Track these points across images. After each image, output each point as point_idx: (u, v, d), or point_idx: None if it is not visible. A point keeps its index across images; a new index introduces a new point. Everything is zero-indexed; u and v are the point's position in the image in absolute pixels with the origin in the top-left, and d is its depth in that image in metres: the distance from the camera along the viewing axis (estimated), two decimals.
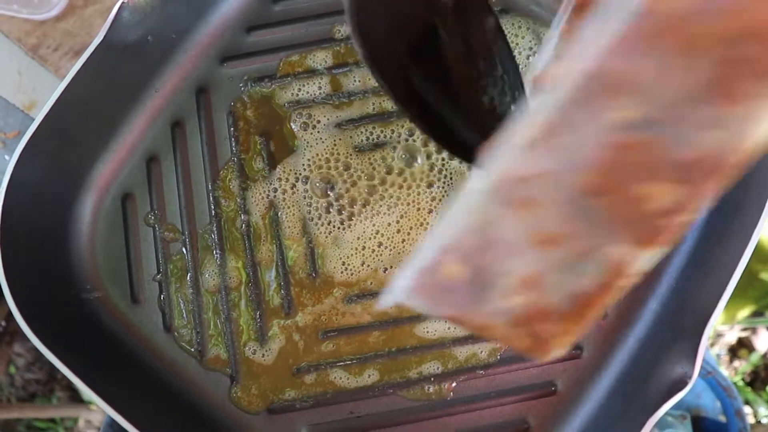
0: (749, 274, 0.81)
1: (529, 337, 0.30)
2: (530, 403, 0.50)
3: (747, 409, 0.97)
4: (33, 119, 0.50)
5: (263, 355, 0.51)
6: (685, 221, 0.25)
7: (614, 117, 0.23)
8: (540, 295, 0.28)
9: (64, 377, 1.06)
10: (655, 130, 0.23)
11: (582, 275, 0.27)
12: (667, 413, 0.65)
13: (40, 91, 0.59)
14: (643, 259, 0.26)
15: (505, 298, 0.29)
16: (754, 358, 0.98)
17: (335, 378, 0.51)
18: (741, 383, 0.98)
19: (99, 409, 0.99)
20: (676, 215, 0.25)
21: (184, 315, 0.51)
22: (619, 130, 0.23)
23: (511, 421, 0.50)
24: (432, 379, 0.50)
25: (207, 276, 0.52)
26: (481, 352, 0.51)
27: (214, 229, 0.52)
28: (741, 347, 0.99)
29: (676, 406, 0.66)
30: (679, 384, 0.44)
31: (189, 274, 0.52)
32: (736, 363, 0.99)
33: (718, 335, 0.98)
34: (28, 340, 1.03)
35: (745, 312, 0.87)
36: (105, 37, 0.47)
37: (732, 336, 0.99)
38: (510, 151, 0.25)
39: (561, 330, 0.29)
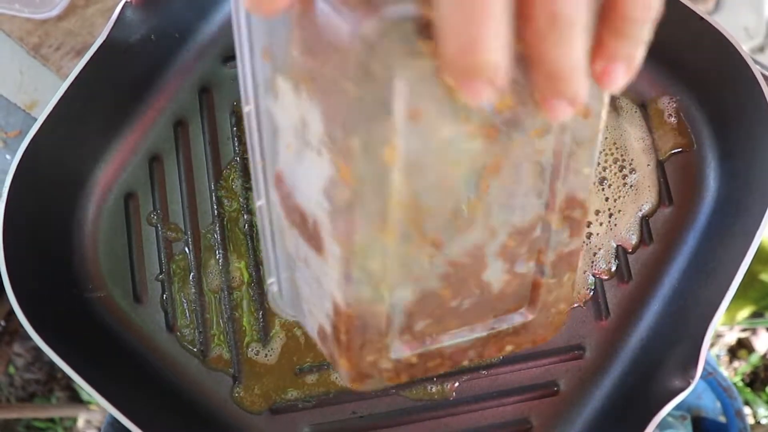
0: (749, 275, 0.81)
1: None
2: (533, 403, 0.51)
3: (747, 410, 0.97)
4: (35, 119, 0.50)
5: (266, 355, 0.51)
6: None
7: None
8: None
9: (64, 377, 1.06)
10: None
11: None
12: (667, 414, 0.66)
13: (42, 91, 0.59)
14: None
15: None
16: (754, 358, 0.98)
17: (337, 378, 0.51)
18: (741, 384, 0.98)
19: (99, 409, 0.99)
20: None
21: (187, 315, 0.51)
22: None
23: (513, 421, 0.50)
24: (434, 378, 0.51)
25: (209, 276, 0.52)
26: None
27: (217, 228, 0.52)
28: (741, 348, 1.00)
29: (677, 407, 0.66)
30: (682, 385, 0.44)
31: (191, 274, 0.52)
32: (736, 364, 0.99)
33: (718, 336, 0.98)
34: (27, 339, 1.03)
35: (745, 313, 0.87)
36: (108, 36, 0.47)
37: (732, 337, 0.99)
38: None
39: None
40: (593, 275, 0.51)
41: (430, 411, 0.50)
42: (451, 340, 0.34)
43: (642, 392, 0.47)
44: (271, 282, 0.38)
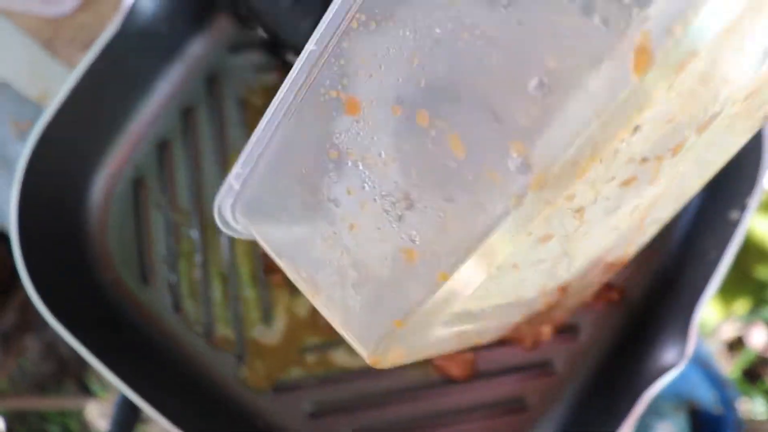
0: (744, 269, 0.82)
1: None
2: (528, 382, 0.52)
3: (745, 405, 0.98)
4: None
5: (269, 335, 0.52)
6: None
7: None
8: None
9: (74, 369, 1.08)
10: None
11: None
12: (663, 404, 0.67)
13: (54, 84, 0.61)
14: None
15: None
16: (750, 353, 0.99)
17: (338, 357, 0.52)
18: (737, 378, 0.99)
19: (108, 400, 1.00)
20: None
21: (193, 296, 0.53)
22: None
23: (509, 399, 0.52)
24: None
25: (215, 258, 0.53)
26: None
27: None
28: (737, 343, 1.01)
29: (673, 398, 0.67)
30: (673, 363, 0.46)
31: (197, 256, 0.53)
32: (733, 358, 1.00)
33: (715, 330, 0.99)
34: (39, 332, 1.05)
35: (740, 307, 0.88)
36: (119, 26, 0.48)
37: (728, 331, 1.00)
38: None
39: None
40: None
41: (428, 389, 0.52)
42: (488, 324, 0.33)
43: (634, 371, 0.49)
44: (238, 174, 0.32)
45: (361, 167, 0.27)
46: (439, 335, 0.32)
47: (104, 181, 0.54)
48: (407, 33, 0.25)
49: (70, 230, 0.53)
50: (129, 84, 0.53)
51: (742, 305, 0.88)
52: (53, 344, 1.06)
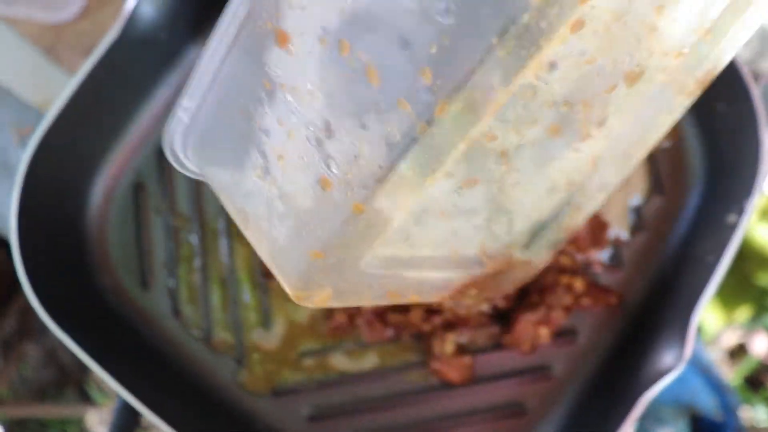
0: (744, 276, 0.82)
1: None
2: (527, 386, 0.52)
3: (746, 411, 0.98)
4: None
5: (268, 339, 0.53)
6: None
7: None
8: None
9: (75, 376, 1.08)
10: None
11: None
12: (664, 410, 0.67)
13: (56, 91, 0.61)
14: None
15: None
16: (752, 360, 0.99)
17: (337, 361, 0.52)
18: (739, 385, 0.98)
19: (108, 408, 1.00)
20: None
21: (192, 300, 0.53)
22: None
23: (508, 403, 0.52)
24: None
25: (214, 262, 0.53)
26: (479, 337, 0.52)
27: (222, 218, 0.54)
28: (739, 350, 1.00)
29: (674, 404, 0.67)
30: (671, 366, 0.46)
31: (197, 261, 0.53)
32: (734, 365, 1.00)
33: (716, 338, 0.99)
34: (39, 339, 1.05)
35: (742, 315, 0.88)
36: (119, 33, 0.49)
37: (730, 339, 1.00)
38: None
39: None
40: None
41: (427, 393, 0.52)
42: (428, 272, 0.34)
43: (632, 374, 0.49)
44: (185, 108, 0.33)
45: (290, 98, 0.28)
46: (369, 280, 0.32)
47: (104, 186, 0.54)
48: None
49: (70, 235, 0.53)
50: (129, 90, 0.54)
51: (743, 312, 0.88)
52: (53, 351, 1.06)
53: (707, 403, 0.68)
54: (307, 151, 0.27)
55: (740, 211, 0.48)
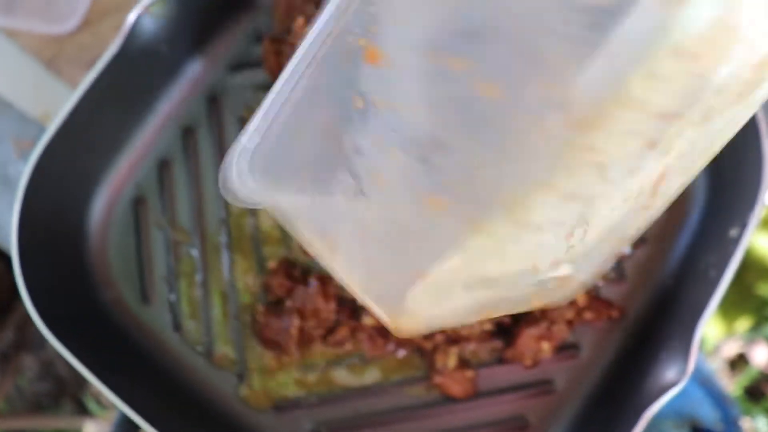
0: (745, 286, 0.82)
1: None
2: (529, 401, 0.52)
3: (747, 422, 0.97)
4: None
5: (269, 354, 0.52)
6: None
7: None
8: None
9: (72, 388, 1.07)
10: None
11: None
12: (665, 422, 0.66)
13: (56, 103, 0.61)
14: None
15: None
16: (753, 371, 0.99)
17: (339, 376, 0.52)
18: (739, 396, 0.98)
19: (106, 419, 1.00)
20: None
21: (193, 315, 0.53)
22: None
23: (510, 418, 0.52)
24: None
25: (215, 277, 0.53)
26: (482, 351, 0.52)
27: (224, 232, 0.54)
28: (739, 360, 1.01)
29: (675, 416, 0.67)
30: (674, 381, 0.46)
31: (198, 275, 0.53)
32: (735, 376, 1.00)
33: (717, 348, 0.99)
34: (37, 351, 1.05)
35: (742, 325, 0.88)
36: (119, 46, 0.49)
37: (730, 349, 1.00)
38: None
39: None
40: None
41: (429, 407, 0.52)
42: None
43: (635, 389, 0.49)
44: (252, 135, 0.30)
45: (388, 115, 0.26)
46: (458, 302, 0.30)
47: (105, 200, 0.54)
48: None
49: (71, 249, 0.53)
50: (130, 103, 0.53)
51: (743, 323, 0.88)
52: (51, 363, 1.05)
53: (708, 415, 0.68)
54: (411, 168, 0.26)
55: (743, 225, 0.48)
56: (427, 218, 0.26)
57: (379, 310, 0.29)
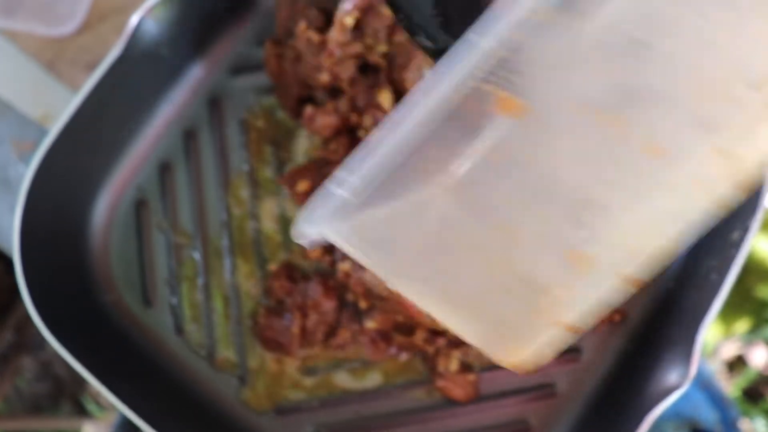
0: (745, 289, 0.82)
1: None
2: (530, 404, 0.52)
3: (746, 424, 0.98)
4: (48, 131, 0.52)
5: (271, 357, 0.52)
6: None
7: None
8: None
9: (71, 389, 1.07)
10: None
11: None
12: (665, 424, 0.67)
13: (56, 105, 0.61)
14: None
15: None
16: (752, 372, 0.99)
17: (340, 380, 0.52)
18: (738, 397, 0.99)
19: (104, 420, 1.00)
20: None
21: (195, 318, 0.53)
22: None
23: (512, 421, 0.52)
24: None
25: (217, 280, 0.53)
26: (483, 355, 0.52)
27: (225, 235, 0.54)
28: (738, 362, 1.01)
29: (675, 418, 0.67)
30: (676, 384, 0.46)
31: (200, 278, 0.53)
32: (734, 378, 1.00)
33: (716, 350, 0.99)
34: (36, 353, 1.05)
35: (741, 327, 0.88)
36: (122, 49, 0.48)
37: (729, 351, 1.00)
38: None
39: None
40: None
41: (431, 411, 0.52)
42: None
43: (637, 393, 0.48)
44: (350, 183, 0.25)
45: (529, 170, 0.25)
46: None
47: (106, 203, 0.54)
48: (602, 32, 0.23)
49: (72, 252, 0.53)
50: (131, 106, 0.53)
51: (742, 325, 0.88)
52: (49, 364, 1.05)
53: (708, 417, 0.68)
54: (554, 223, 0.25)
55: (744, 228, 0.48)
56: (570, 272, 0.26)
57: (507, 357, 0.30)
